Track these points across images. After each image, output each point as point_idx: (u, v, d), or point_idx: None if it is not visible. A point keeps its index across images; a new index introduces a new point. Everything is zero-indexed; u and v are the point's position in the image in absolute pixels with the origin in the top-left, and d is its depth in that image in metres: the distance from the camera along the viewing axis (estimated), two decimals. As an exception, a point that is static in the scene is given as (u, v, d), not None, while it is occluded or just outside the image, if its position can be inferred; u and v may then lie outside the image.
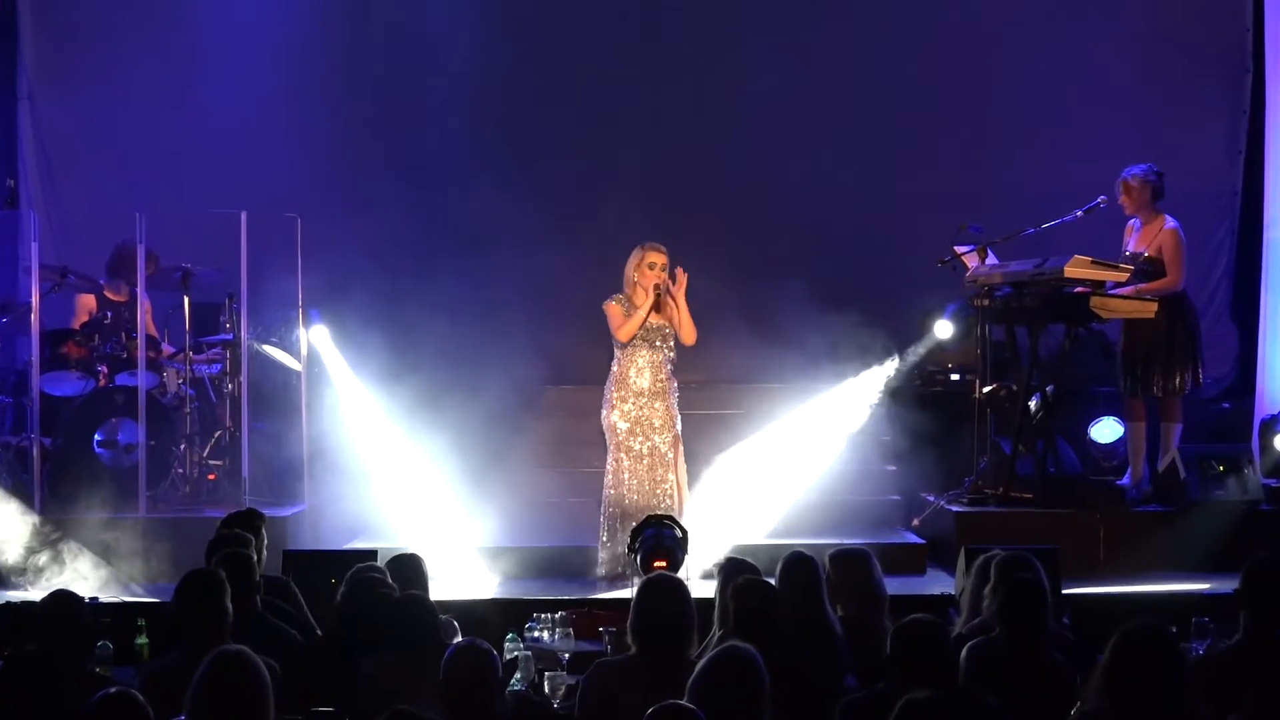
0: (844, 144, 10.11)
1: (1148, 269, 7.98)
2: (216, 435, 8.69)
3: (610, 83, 10.28)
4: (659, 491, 7.70)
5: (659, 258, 7.76)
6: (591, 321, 8.08)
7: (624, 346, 7.78)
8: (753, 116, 10.22)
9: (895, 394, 8.79)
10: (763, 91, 10.13)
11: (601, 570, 7.75)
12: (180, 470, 8.48)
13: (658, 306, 7.70)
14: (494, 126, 10.18)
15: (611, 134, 10.20)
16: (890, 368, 8.62)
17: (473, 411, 8.61)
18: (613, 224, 9.12)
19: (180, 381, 8.67)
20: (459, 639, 4.73)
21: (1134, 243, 8.16)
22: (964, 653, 4.64)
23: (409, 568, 5.57)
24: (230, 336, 8.71)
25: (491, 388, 8.96)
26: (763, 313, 9.40)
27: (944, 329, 8.91)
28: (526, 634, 5.93)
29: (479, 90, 10.15)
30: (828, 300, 9.03)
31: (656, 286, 7.69)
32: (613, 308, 7.83)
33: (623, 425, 7.75)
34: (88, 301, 8.93)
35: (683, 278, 7.67)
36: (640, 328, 7.71)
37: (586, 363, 9.32)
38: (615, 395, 7.78)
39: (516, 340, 9.22)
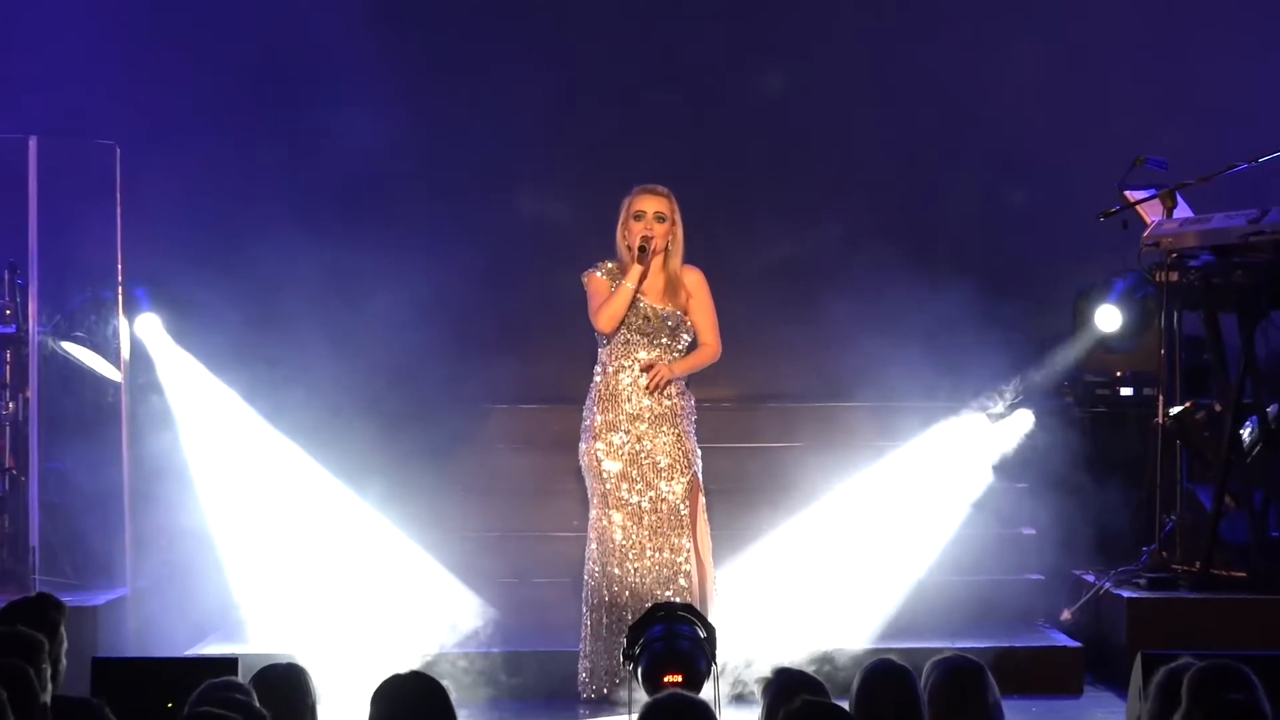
0: (948, 39, 10.17)
1: None
2: (-10, 481, 8.69)
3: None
4: (669, 567, 7.69)
5: (650, 203, 7.74)
6: (564, 309, 8.08)
7: (608, 342, 7.77)
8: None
9: (1035, 419, 8.77)
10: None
11: (583, 689, 7.74)
12: (-67, 536, 8.49)
13: (646, 274, 7.67)
14: (412, 25, 10.22)
15: (592, 41, 10.23)
16: (1027, 377, 8.65)
17: (384, 444, 8.62)
18: (594, 168, 9.12)
19: (-68, 398, 8.64)
20: None
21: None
22: (1143, 813, 4.63)
23: (288, 686, 5.48)
24: (11, 329, 8.68)
25: (412, 408, 8.98)
26: (826, 296, 9.41)
27: (1109, 318, 8.93)
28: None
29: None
30: (925, 277, 9.04)
31: (643, 240, 7.70)
32: (594, 280, 7.81)
33: (611, 466, 7.74)
34: None
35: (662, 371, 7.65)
36: (627, 310, 7.69)
37: (557, 372, 9.34)
38: (599, 419, 7.77)
39: (448, 336, 9.24)
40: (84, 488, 8.72)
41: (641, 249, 7.68)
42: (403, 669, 5.00)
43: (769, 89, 10.40)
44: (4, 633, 5.70)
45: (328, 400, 8.86)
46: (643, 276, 7.70)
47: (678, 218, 7.78)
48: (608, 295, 7.74)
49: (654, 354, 7.74)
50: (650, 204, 7.75)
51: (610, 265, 7.82)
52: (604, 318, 7.73)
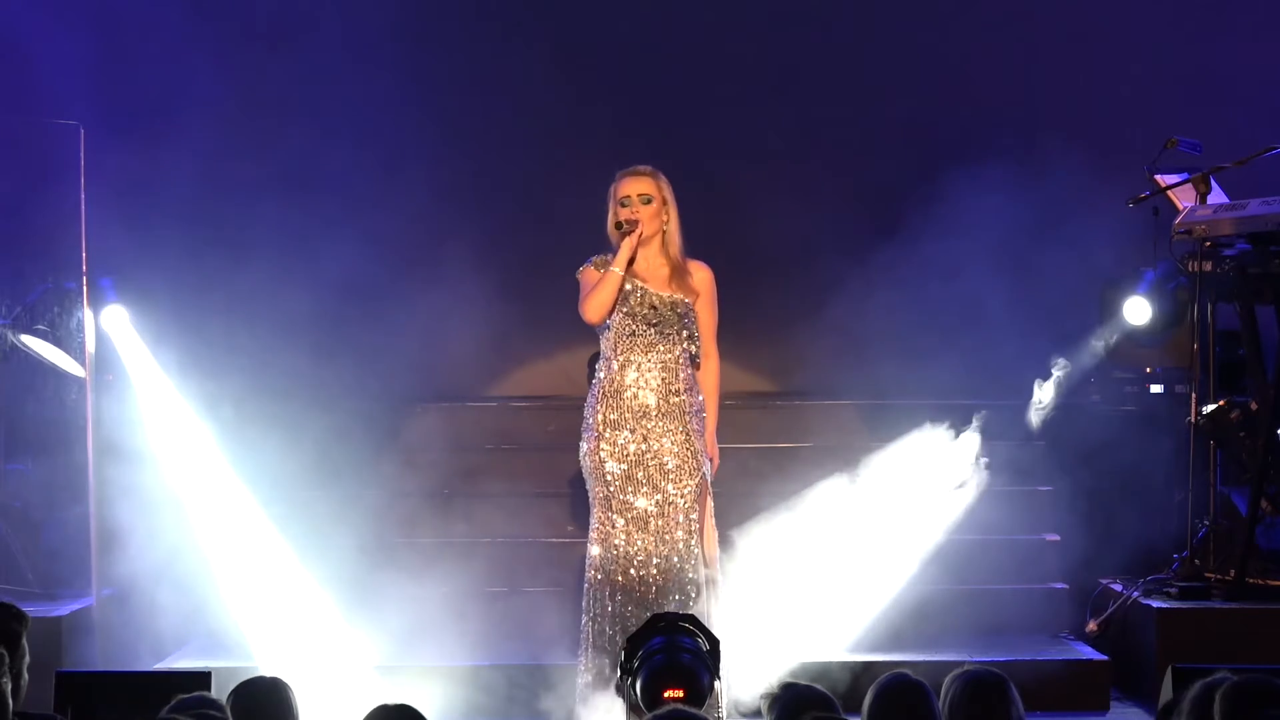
0: (969, 18, 10.28)
1: None
2: (-54, 484, 8.73)
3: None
4: (676, 575, 7.67)
5: (631, 186, 7.70)
6: (561, 299, 8.11)
7: (612, 335, 7.75)
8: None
9: (1059, 418, 8.78)
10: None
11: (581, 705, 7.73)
12: (-117, 543, 8.52)
13: (634, 257, 7.61)
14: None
15: (591, 29, 10.36)
16: (1051, 375, 8.62)
17: (366, 442, 8.67)
18: (588, 149, 9.09)
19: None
20: None
21: None
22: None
23: (269, 703, 5.50)
24: (-33, 322, 8.73)
25: (396, 403, 9.02)
26: (833, 291, 9.47)
27: (1138, 310, 8.94)
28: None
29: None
30: (940, 269, 9.08)
31: (622, 225, 7.64)
32: (587, 273, 7.76)
33: (614, 467, 7.73)
34: None
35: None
36: (616, 297, 7.63)
37: (555, 366, 9.42)
38: (600, 417, 7.76)
39: (438, 327, 9.29)
40: (47, 490, 8.79)
41: (618, 225, 7.65)
42: (390, 700, 5.01)
43: (774, 71, 10.44)
44: (-37, 645, 5.75)
45: (298, 396, 8.91)
46: (631, 259, 7.66)
47: (668, 196, 7.71)
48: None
49: (664, 343, 7.71)
50: (632, 187, 7.70)
51: (606, 258, 7.77)
52: (591, 306, 7.66)
